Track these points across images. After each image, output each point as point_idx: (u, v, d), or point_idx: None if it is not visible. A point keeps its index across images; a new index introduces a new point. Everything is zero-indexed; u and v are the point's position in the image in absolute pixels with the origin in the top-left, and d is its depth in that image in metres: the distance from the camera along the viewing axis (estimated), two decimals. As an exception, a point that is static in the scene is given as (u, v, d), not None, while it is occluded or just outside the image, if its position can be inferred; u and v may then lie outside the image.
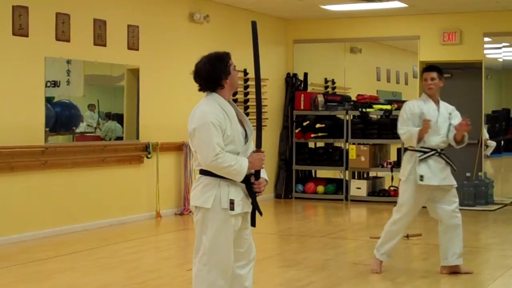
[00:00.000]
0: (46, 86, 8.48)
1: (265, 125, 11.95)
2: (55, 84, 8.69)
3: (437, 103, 6.53)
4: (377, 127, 12.11)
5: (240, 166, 4.05)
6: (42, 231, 8.32)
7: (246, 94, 11.70)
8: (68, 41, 8.68)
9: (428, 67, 6.72)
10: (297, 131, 12.57)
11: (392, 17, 12.30)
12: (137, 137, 9.77)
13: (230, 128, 4.10)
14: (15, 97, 8.11)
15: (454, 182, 6.47)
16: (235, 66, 4.25)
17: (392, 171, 11.93)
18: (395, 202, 11.52)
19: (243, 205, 4.14)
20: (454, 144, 6.42)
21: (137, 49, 9.72)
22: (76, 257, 7.30)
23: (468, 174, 11.43)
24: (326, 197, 12.21)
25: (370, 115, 12.15)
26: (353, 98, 12.52)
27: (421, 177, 6.35)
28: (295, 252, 7.77)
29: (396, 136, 11.77)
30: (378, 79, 13.69)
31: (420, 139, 6.35)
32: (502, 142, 12.26)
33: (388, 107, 11.96)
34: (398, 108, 11.82)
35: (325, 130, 12.38)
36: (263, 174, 4.20)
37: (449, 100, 12.89)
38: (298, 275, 6.44)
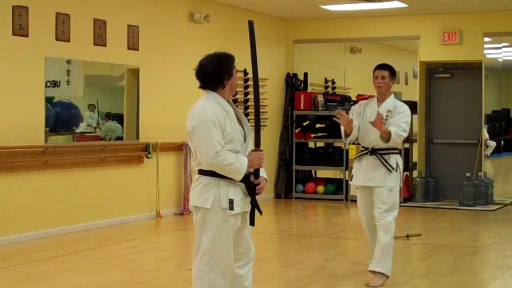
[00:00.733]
0: (46, 86, 8.48)
1: (265, 125, 11.95)
2: (55, 84, 8.69)
3: (382, 101, 6.15)
4: (377, 127, 12.10)
5: (240, 164, 4.05)
6: (42, 231, 8.32)
7: (246, 94, 11.71)
8: (68, 41, 8.68)
9: (381, 65, 6.39)
10: (297, 131, 12.57)
11: (392, 17, 12.30)
12: (137, 137, 9.77)
13: (229, 127, 4.11)
14: (15, 97, 8.11)
15: (385, 184, 5.99)
16: (237, 70, 4.27)
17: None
18: (395, 202, 11.62)
19: (242, 204, 4.15)
20: (381, 142, 5.94)
21: (137, 49, 9.72)
22: (76, 257, 7.30)
23: (468, 174, 11.44)
24: (326, 197, 12.21)
25: (370, 115, 12.13)
26: (353, 98, 12.51)
27: (351, 177, 6.24)
28: (295, 252, 7.77)
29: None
30: (378, 79, 13.69)
31: (346, 134, 6.05)
32: (502, 142, 12.26)
33: (388, 107, 11.95)
34: (398, 108, 11.90)
35: (325, 130, 12.38)
36: (262, 173, 4.20)
37: (449, 100, 12.95)
38: (298, 275, 6.44)
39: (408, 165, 12.05)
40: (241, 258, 4.24)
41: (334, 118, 6.19)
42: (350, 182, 6.37)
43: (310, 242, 8.42)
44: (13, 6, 8.02)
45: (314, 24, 12.85)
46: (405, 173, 11.90)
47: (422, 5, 11.41)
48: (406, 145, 11.95)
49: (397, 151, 6.15)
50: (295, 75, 12.95)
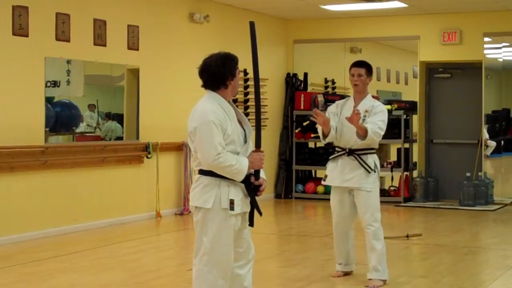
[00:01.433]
0: (46, 86, 8.48)
1: (265, 125, 11.95)
2: (55, 84, 8.69)
3: (360, 100, 6.04)
4: (377, 127, 12.10)
5: (241, 165, 4.05)
6: (42, 231, 8.32)
7: (246, 94, 11.71)
8: (68, 41, 8.68)
9: (357, 62, 6.22)
10: (297, 131, 12.57)
11: (392, 17, 12.30)
12: (137, 137, 9.77)
13: (230, 128, 4.11)
14: (15, 97, 8.11)
15: (363, 185, 5.89)
16: (240, 72, 4.28)
17: (392, 171, 11.93)
18: (395, 202, 11.66)
19: (242, 205, 4.15)
20: (359, 142, 5.82)
21: (137, 49, 9.72)
22: (76, 257, 7.30)
23: (468, 174, 11.44)
24: (326, 197, 12.10)
25: (370, 115, 12.14)
26: (353, 98, 12.51)
27: (325, 177, 6.10)
28: (295, 252, 7.77)
29: (396, 136, 11.89)
30: (378, 79, 13.68)
31: (323, 134, 5.93)
32: (502, 142, 12.27)
33: (388, 107, 11.95)
34: (398, 108, 11.91)
35: (325, 130, 12.36)
36: (262, 174, 4.21)
37: (449, 100, 12.93)
38: (298, 275, 6.43)
39: (408, 165, 12.06)
40: (241, 258, 4.24)
41: (311, 118, 6.08)
42: (323, 182, 6.16)
43: (310, 242, 8.42)
44: (13, 6, 8.02)
45: (314, 24, 12.85)
46: (405, 173, 11.91)
47: (422, 5, 11.41)
48: (406, 145, 11.96)
49: (374, 151, 6.03)
50: (295, 75, 12.95)
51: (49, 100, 8.63)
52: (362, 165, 5.90)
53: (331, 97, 12.65)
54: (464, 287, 6.14)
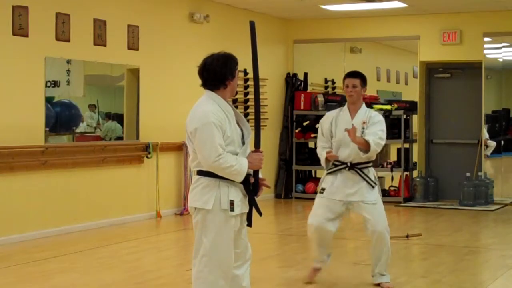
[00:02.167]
0: (46, 86, 8.48)
1: (265, 125, 11.95)
2: (55, 84, 8.69)
3: (355, 112, 5.90)
4: (377, 127, 12.10)
5: (241, 166, 4.06)
6: (42, 231, 8.32)
7: (246, 94, 11.70)
8: (68, 41, 8.68)
9: (351, 73, 6.01)
10: (297, 131, 12.56)
11: (392, 17, 12.30)
12: (137, 137, 9.77)
13: (229, 129, 4.11)
14: (15, 97, 8.11)
15: (368, 199, 5.80)
16: (239, 72, 4.29)
17: (392, 171, 11.94)
18: (395, 202, 11.65)
19: (242, 205, 4.16)
20: (360, 155, 5.74)
21: (137, 49, 9.72)
22: (76, 257, 7.30)
23: (468, 174, 11.44)
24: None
25: (370, 115, 12.14)
26: (353, 98, 12.51)
27: (322, 190, 5.90)
28: (295, 252, 7.77)
29: (396, 136, 11.90)
30: (378, 79, 13.70)
31: (327, 163, 5.88)
32: (502, 142, 12.27)
33: (388, 107, 11.97)
34: (398, 108, 11.92)
35: (325, 130, 12.36)
36: (260, 174, 4.21)
37: (449, 100, 12.94)
38: (298, 275, 6.43)
39: (408, 165, 12.06)
40: (238, 258, 4.24)
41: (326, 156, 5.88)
42: (321, 195, 5.91)
43: (310, 242, 8.41)
44: (13, 6, 8.01)
45: (314, 24, 12.85)
46: (405, 173, 11.91)
47: (422, 5, 11.41)
48: (406, 145, 11.96)
49: (372, 164, 5.94)
50: (295, 75, 12.95)
51: (49, 100, 8.63)
52: (364, 179, 5.82)
53: (331, 97, 12.66)
54: (464, 287, 6.14)
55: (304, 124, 12.49)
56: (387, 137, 12.16)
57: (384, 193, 12.04)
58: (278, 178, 12.65)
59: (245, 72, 11.48)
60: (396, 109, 11.87)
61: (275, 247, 8.34)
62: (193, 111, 4.16)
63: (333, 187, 5.87)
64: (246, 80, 11.62)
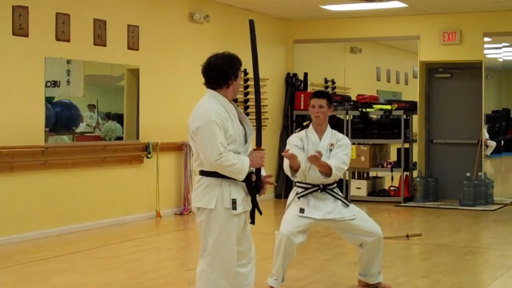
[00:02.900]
0: (46, 86, 8.48)
1: (265, 125, 11.95)
2: (55, 84, 8.69)
3: (322, 133, 5.79)
4: (377, 127, 12.13)
5: (243, 164, 4.07)
6: (42, 231, 8.32)
7: (246, 94, 11.71)
8: (68, 41, 8.68)
9: (317, 93, 5.91)
10: (297, 131, 12.56)
11: (392, 17, 12.30)
12: (137, 137, 9.77)
13: (231, 128, 4.12)
14: (15, 97, 8.11)
15: (347, 215, 5.67)
16: (241, 73, 4.31)
17: (392, 171, 11.94)
18: (395, 202, 11.66)
19: (244, 204, 4.18)
20: (322, 177, 5.61)
21: (137, 49, 9.72)
22: (76, 257, 7.30)
23: (468, 174, 11.44)
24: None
25: (370, 115, 12.16)
26: (353, 98, 12.52)
27: (301, 210, 5.65)
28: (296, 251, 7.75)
29: (396, 136, 11.90)
30: (378, 79, 13.69)
31: (293, 170, 5.60)
32: (502, 142, 12.27)
33: (388, 107, 11.97)
34: (398, 108, 11.92)
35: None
36: (262, 172, 4.22)
37: (449, 100, 12.94)
38: (298, 275, 6.43)
39: (408, 165, 12.06)
40: (242, 257, 4.25)
41: (282, 154, 5.61)
42: (300, 214, 5.64)
43: (310, 242, 8.38)
44: (13, 6, 8.02)
45: (314, 24, 12.85)
46: (405, 173, 11.91)
47: (422, 5, 11.41)
48: (406, 145, 11.96)
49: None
50: (295, 75, 12.95)
51: (49, 100, 8.63)
52: (338, 199, 5.73)
53: (331, 97, 12.65)
54: (464, 287, 6.14)
55: (304, 124, 12.48)
56: (388, 137, 12.35)
57: (384, 193, 12.07)
58: (278, 178, 12.64)
59: (245, 72, 11.47)
60: (396, 109, 11.87)
61: (275, 247, 8.32)
62: (196, 110, 4.18)
63: (308, 207, 5.69)
64: (246, 80, 11.62)
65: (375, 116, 12.25)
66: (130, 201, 9.60)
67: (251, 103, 11.62)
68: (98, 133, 9.55)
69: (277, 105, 12.68)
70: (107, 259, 7.18)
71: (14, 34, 8.04)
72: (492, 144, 12.09)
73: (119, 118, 9.81)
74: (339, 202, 5.73)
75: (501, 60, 12.26)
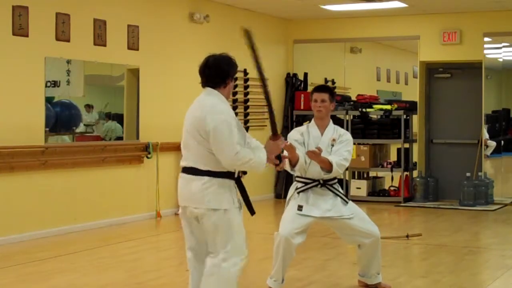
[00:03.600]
0: (46, 86, 8.48)
1: (265, 125, 11.95)
2: (55, 84, 8.69)
3: (324, 128, 5.74)
4: (377, 127, 12.12)
5: (259, 157, 4.27)
6: (42, 231, 8.32)
7: (246, 94, 11.70)
8: (68, 41, 8.68)
9: (319, 87, 5.83)
10: (297, 131, 12.54)
11: (392, 17, 12.30)
12: (137, 137, 9.77)
13: (237, 125, 4.29)
14: (15, 97, 8.11)
15: (345, 213, 5.61)
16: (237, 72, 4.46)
17: (392, 171, 11.94)
18: (395, 202, 11.66)
19: (241, 202, 4.39)
20: (323, 173, 5.55)
21: (137, 49, 9.72)
22: (76, 257, 7.30)
23: (468, 174, 11.44)
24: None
25: (370, 115, 12.16)
26: (353, 98, 12.52)
27: (300, 207, 5.61)
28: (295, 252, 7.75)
29: (396, 136, 11.90)
30: (378, 79, 13.69)
31: (291, 164, 5.54)
32: (502, 142, 12.27)
33: (388, 107, 11.97)
34: (398, 108, 11.92)
35: (325, 130, 12.36)
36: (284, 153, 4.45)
37: (449, 100, 12.93)
38: (298, 275, 6.43)
39: (408, 165, 12.06)
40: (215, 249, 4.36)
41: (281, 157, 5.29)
42: (298, 212, 5.61)
43: (310, 242, 8.37)
44: (13, 6, 8.01)
45: (314, 24, 12.85)
46: (405, 173, 11.91)
47: (422, 5, 11.41)
48: (406, 145, 11.96)
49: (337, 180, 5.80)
50: (295, 75, 12.95)
51: (49, 100, 8.63)
52: (338, 195, 5.68)
53: (331, 97, 12.65)
54: (464, 287, 6.14)
55: (304, 124, 12.47)
56: (388, 137, 12.34)
57: (384, 193, 12.07)
58: (278, 178, 12.64)
59: (245, 72, 11.48)
60: (396, 109, 11.87)
61: (275, 247, 8.32)
62: (211, 108, 4.17)
63: (309, 204, 5.67)
64: (246, 80, 11.62)
65: (375, 116, 12.25)
66: (130, 201, 9.60)
67: (251, 103, 11.63)
68: (98, 133, 9.54)
69: (277, 105, 12.67)
70: (107, 259, 7.18)
71: (14, 34, 8.04)
72: (492, 144, 12.09)
73: (119, 118, 9.81)
74: (339, 199, 5.69)
75: (501, 60, 12.26)
